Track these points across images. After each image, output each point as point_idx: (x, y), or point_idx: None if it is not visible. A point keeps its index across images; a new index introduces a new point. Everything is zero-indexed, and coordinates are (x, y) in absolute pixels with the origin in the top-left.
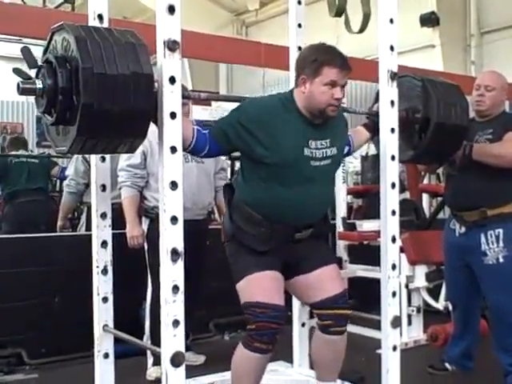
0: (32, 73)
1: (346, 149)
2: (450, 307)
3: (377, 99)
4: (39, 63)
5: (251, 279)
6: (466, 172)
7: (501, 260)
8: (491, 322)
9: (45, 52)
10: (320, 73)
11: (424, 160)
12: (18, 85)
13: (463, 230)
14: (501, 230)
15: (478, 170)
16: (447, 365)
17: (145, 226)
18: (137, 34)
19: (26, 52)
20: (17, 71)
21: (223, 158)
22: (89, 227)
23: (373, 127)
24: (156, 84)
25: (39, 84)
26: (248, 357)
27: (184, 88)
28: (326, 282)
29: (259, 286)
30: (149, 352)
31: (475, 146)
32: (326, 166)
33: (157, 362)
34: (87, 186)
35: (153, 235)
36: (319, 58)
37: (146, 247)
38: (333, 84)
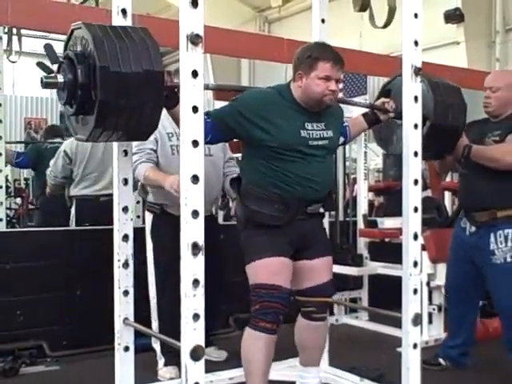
0: (54, 67)
1: (342, 139)
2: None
3: (381, 93)
4: (60, 59)
5: (261, 263)
6: (476, 172)
7: (508, 259)
8: (501, 322)
9: (65, 47)
10: (315, 68)
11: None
12: (42, 79)
13: (473, 229)
14: (510, 231)
15: (486, 171)
16: (441, 360)
17: (149, 222)
18: (150, 33)
19: (48, 48)
20: (40, 65)
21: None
22: (79, 221)
23: (372, 119)
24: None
25: (60, 78)
26: (255, 337)
27: None
28: (317, 272)
29: (267, 270)
30: (159, 352)
31: (474, 148)
32: (324, 145)
33: (169, 361)
34: (65, 178)
35: (158, 232)
36: (313, 54)
37: (151, 245)
38: (327, 78)
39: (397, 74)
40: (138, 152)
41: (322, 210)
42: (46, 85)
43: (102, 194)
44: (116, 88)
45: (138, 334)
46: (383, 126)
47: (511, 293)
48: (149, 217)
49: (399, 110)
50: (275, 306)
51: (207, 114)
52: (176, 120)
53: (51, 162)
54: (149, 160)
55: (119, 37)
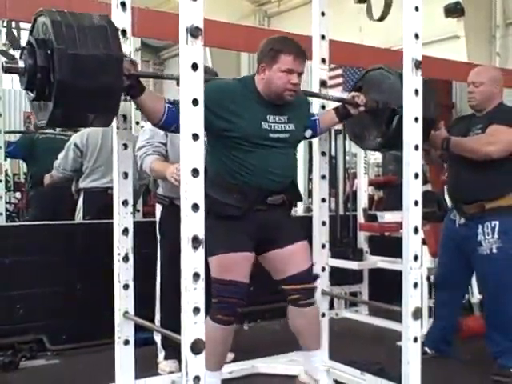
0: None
1: (310, 132)
2: (434, 305)
3: (353, 89)
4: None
5: (222, 258)
6: (463, 165)
7: (494, 250)
8: (485, 308)
9: (29, 35)
10: (277, 60)
11: (391, 147)
12: (2, 64)
13: (462, 220)
14: (497, 223)
15: (472, 163)
16: (426, 349)
17: (158, 214)
18: (112, 21)
19: (10, 35)
20: (2, 52)
21: None
22: (86, 213)
23: (343, 114)
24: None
25: (21, 64)
26: (212, 327)
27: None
28: (294, 258)
29: (224, 266)
30: (159, 345)
31: (452, 140)
32: (285, 138)
33: (169, 355)
34: (75, 171)
35: (165, 224)
36: (275, 46)
37: (158, 236)
38: (289, 71)
39: (368, 69)
40: (146, 145)
41: (285, 200)
42: (6, 70)
43: (110, 187)
44: (73, 69)
45: (139, 328)
46: (355, 122)
47: (495, 282)
48: (158, 209)
49: (369, 104)
50: (231, 301)
51: (173, 103)
52: (141, 109)
53: (60, 156)
54: (155, 152)
55: (78, 21)
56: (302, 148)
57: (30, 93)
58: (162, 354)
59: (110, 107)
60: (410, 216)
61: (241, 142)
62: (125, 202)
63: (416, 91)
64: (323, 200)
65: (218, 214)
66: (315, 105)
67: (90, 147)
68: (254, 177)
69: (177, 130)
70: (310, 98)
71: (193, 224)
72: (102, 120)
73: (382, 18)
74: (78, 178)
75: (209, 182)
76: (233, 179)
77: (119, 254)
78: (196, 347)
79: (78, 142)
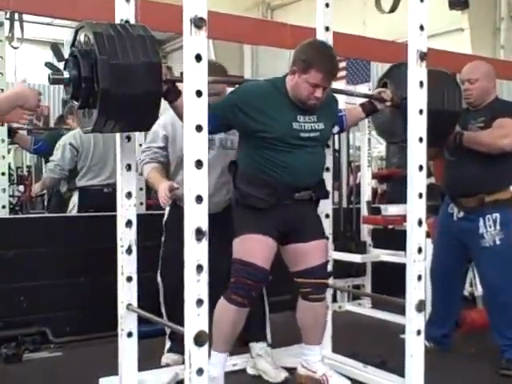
0: (61, 65)
1: (337, 128)
2: (431, 299)
3: (378, 86)
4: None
5: (245, 239)
6: (463, 159)
7: (497, 242)
8: (486, 304)
9: (71, 47)
10: (307, 72)
11: None
12: (49, 76)
13: (462, 214)
14: (498, 215)
15: (473, 158)
16: (425, 341)
17: (166, 213)
18: (148, 29)
19: (55, 48)
20: (49, 65)
21: None
22: (81, 210)
23: (370, 109)
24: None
25: (66, 75)
26: (225, 307)
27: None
28: (311, 254)
29: (248, 247)
30: (167, 336)
31: (465, 134)
32: (315, 137)
33: (172, 348)
34: (71, 171)
35: (170, 223)
36: (309, 59)
37: (163, 238)
38: (315, 86)
39: (393, 65)
40: (145, 151)
41: (313, 196)
42: (53, 81)
43: (105, 184)
44: (116, 78)
45: (144, 321)
46: (384, 118)
47: (499, 274)
48: (166, 208)
49: (395, 99)
50: (248, 283)
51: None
52: (177, 112)
53: (55, 157)
54: (152, 160)
55: (118, 33)
56: None
57: (75, 102)
58: (167, 346)
59: (150, 112)
60: (414, 208)
61: (273, 142)
62: (128, 194)
63: (421, 83)
64: None
65: (247, 205)
66: None
67: (84, 145)
68: (285, 174)
69: (213, 131)
70: None
71: (196, 216)
72: (142, 124)
73: (392, 10)
74: (69, 177)
75: (239, 176)
76: (264, 175)
77: (122, 246)
78: (199, 339)
79: (73, 142)
